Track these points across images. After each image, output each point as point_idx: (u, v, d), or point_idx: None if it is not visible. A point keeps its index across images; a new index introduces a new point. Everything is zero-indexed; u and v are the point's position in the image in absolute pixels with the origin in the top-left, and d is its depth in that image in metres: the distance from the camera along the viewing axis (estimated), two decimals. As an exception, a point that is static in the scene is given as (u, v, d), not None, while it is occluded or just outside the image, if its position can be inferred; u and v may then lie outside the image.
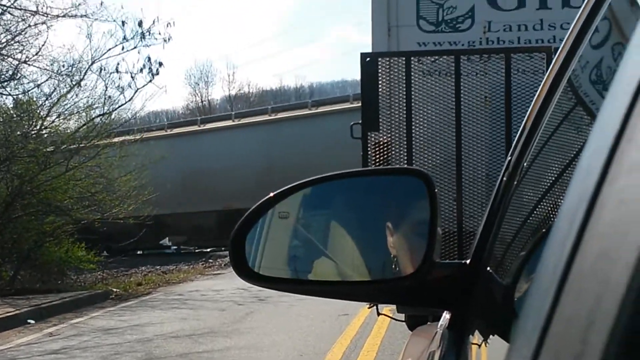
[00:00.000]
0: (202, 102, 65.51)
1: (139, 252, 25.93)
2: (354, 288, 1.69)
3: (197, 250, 27.83)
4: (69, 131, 17.09)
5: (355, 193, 1.75)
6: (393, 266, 1.60)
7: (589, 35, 1.21)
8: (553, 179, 1.31)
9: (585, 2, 1.23)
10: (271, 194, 1.66)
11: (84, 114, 17.18)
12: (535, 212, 1.38)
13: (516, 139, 1.52)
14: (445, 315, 1.79)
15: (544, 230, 1.22)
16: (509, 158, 1.52)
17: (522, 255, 1.31)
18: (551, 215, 1.20)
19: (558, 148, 1.35)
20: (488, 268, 1.46)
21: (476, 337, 1.47)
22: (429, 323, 5.66)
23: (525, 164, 1.45)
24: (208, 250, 27.16)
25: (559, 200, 1.18)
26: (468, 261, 1.56)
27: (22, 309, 11.58)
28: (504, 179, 1.52)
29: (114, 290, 15.11)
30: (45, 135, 16.78)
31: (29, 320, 11.14)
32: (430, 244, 1.50)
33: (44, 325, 10.92)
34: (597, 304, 0.55)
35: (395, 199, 1.71)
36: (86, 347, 9.01)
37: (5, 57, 15.16)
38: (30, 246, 15.85)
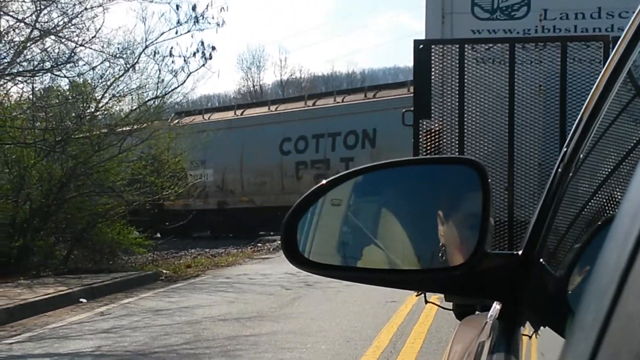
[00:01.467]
0: (253, 86, 65.83)
1: (195, 235, 26.13)
2: (403, 276, 1.69)
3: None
4: (122, 113, 17.31)
5: (407, 182, 1.74)
6: (441, 255, 1.59)
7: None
8: (609, 171, 1.29)
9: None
10: (324, 181, 1.67)
11: (136, 96, 17.39)
12: (590, 204, 1.36)
13: (572, 130, 1.50)
14: (496, 306, 1.77)
15: (599, 223, 1.21)
16: (565, 149, 1.50)
17: (577, 247, 1.29)
18: (607, 208, 1.18)
19: (616, 140, 1.33)
20: (541, 259, 1.45)
21: (527, 329, 1.45)
22: (477, 312, 5.64)
23: (581, 156, 1.43)
24: (260, 233, 27.30)
25: (615, 193, 1.16)
26: (520, 252, 1.54)
27: (75, 288, 11.80)
28: (559, 170, 1.50)
29: (164, 272, 15.30)
30: (99, 117, 17.02)
31: (81, 299, 11.35)
32: (482, 234, 1.49)
33: (95, 305, 11.11)
34: None
35: (447, 188, 1.70)
36: (136, 327, 9.14)
37: (63, 40, 15.38)
38: (83, 226, 16.13)
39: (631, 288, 0.62)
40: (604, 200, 1.24)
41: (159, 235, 22.40)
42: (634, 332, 0.57)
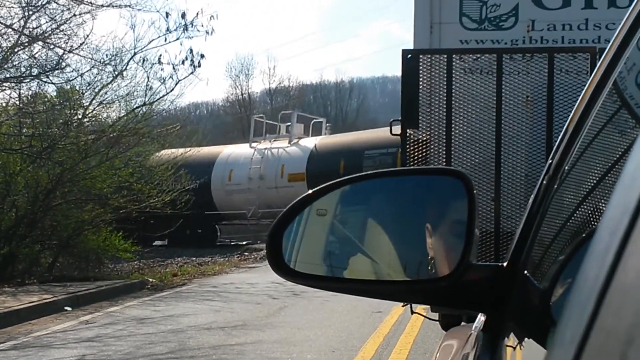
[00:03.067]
0: (242, 94, 65.78)
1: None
2: (389, 287, 1.68)
3: (232, 243, 27.99)
4: (109, 120, 17.27)
5: (393, 192, 1.74)
6: (429, 267, 1.59)
7: (637, 37, 1.19)
8: (594, 183, 1.29)
9: (634, 3, 1.21)
10: (309, 191, 1.66)
11: (124, 104, 17.37)
12: (575, 216, 1.36)
13: (558, 141, 1.50)
14: (480, 317, 1.77)
15: (583, 235, 1.20)
16: (550, 161, 1.50)
17: (561, 259, 1.29)
18: (591, 220, 1.18)
19: (601, 151, 1.33)
20: (525, 271, 1.44)
21: (511, 340, 1.45)
22: (462, 324, 5.64)
23: (566, 167, 1.43)
24: (244, 243, 27.31)
25: (599, 205, 1.16)
26: (505, 263, 1.54)
27: (60, 296, 11.73)
28: (544, 181, 1.50)
29: (150, 280, 15.24)
30: (87, 124, 16.97)
31: (65, 307, 11.29)
32: (467, 246, 1.48)
33: (80, 313, 11.05)
34: (638, 320, 0.54)
35: (433, 199, 1.70)
36: (120, 336, 9.10)
37: (51, 46, 15.35)
38: (69, 234, 16.05)
39: (609, 304, 0.61)
40: (589, 213, 1.24)
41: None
42: (612, 349, 0.57)
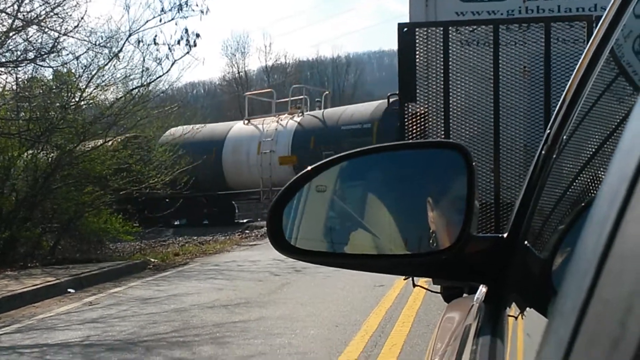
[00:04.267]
0: (238, 73, 65.64)
1: (176, 223, 26.33)
2: (390, 261, 1.68)
3: (235, 221, 28.05)
4: (107, 103, 17.24)
5: (393, 166, 1.74)
6: (431, 241, 1.59)
7: (633, 4, 1.18)
8: (593, 151, 1.29)
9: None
10: (309, 168, 1.66)
11: (121, 85, 17.32)
12: (574, 185, 1.36)
13: (556, 111, 1.49)
14: (482, 289, 1.78)
15: (582, 204, 1.20)
16: (548, 131, 1.50)
17: (561, 229, 1.29)
18: (590, 189, 1.18)
19: (599, 120, 1.33)
20: (526, 242, 1.45)
21: (512, 310, 1.46)
22: (464, 295, 5.66)
23: (565, 137, 1.43)
24: (245, 221, 27.38)
25: (598, 174, 1.16)
26: (505, 234, 1.54)
27: (62, 279, 11.76)
28: (543, 151, 1.50)
29: (152, 260, 15.28)
30: (84, 107, 16.94)
31: (68, 289, 11.32)
32: (467, 218, 1.49)
33: (83, 295, 11.09)
34: (636, 286, 0.54)
35: (433, 173, 1.70)
36: (124, 317, 9.13)
37: (45, 30, 15.28)
38: (70, 216, 16.07)
39: (608, 274, 0.61)
40: (588, 181, 1.24)
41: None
42: (611, 317, 0.57)
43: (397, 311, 8.53)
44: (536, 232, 1.47)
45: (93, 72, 16.41)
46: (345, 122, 23.43)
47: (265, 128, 25.89)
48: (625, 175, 0.64)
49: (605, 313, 0.59)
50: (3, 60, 14.93)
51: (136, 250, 17.20)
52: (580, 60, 1.41)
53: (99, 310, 9.68)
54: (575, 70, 1.43)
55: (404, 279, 8.86)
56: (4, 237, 14.43)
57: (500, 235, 1.55)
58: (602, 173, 1.13)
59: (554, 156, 1.46)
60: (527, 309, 1.29)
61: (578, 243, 0.77)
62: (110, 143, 16.69)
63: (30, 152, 15.74)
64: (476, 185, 1.53)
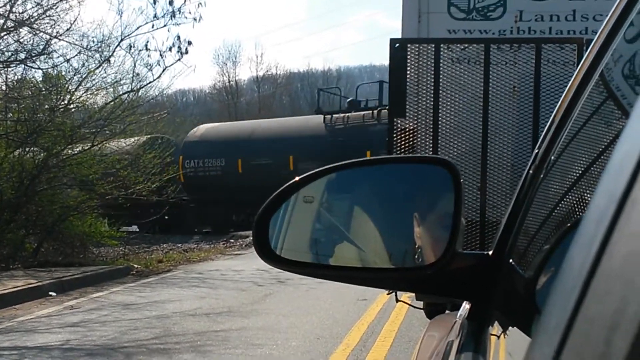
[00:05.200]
0: (229, 81, 65.62)
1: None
2: (374, 274, 1.69)
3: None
4: (96, 106, 17.20)
5: (380, 180, 1.75)
6: (416, 256, 1.59)
7: (624, 29, 1.20)
8: (580, 173, 1.30)
9: (622, -5, 1.21)
10: (297, 178, 1.67)
11: (111, 89, 17.29)
12: (560, 206, 1.37)
13: (544, 131, 1.50)
14: (465, 305, 1.78)
15: (568, 224, 1.21)
16: (536, 151, 1.51)
17: (546, 249, 1.30)
18: (576, 210, 1.19)
19: (587, 142, 1.34)
20: (510, 260, 1.46)
21: (495, 328, 1.46)
22: (447, 312, 5.66)
23: (552, 157, 1.44)
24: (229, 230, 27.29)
25: (585, 195, 1.17)
26: (491, 252, 1.55)
27: (44, 281, 11.70)
28: (530, 171, 1.51)
29: (135, 266, 15.22)
30: (73, 110, 16.89)
31: (50, 293, 11.26)
32: (453, 234, 1.49)
33: (65, 298, 11.03)
34: (623, 306, 0.55)
35: (420, 188, 1.70)
36: (105, 322, 9.09)
37: (37, 32, 15.25)
38: (54, 219, 15.99)
39: (594, 292, 0.62)
40: (574, 203, 1.25)
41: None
42: (597, 335, 0.58)
43: (379, 326, 8.53)
44: (521, 251, 1.47)
45: (83, 76, 16.38)
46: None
47: None
48: (614, 196, 0.64)
49: (591, 331, 0.59)
50: (-7, 60, 14.88)
51: (119, 255, 17.13)
52: (570, 82, 1.43)
53: (80, 314, 9.63)
54: (565, 92, 1.44)
55: (387, 294, 8.87)
56: (-13, 238, 14.35)
57: (485, 252, 1.56)
58: (588, 195, 1.14)
59: (541, 176, 1.47)
60: (510, 327, 1.30)
61: (564, 262, 0.78)
62: (98, 147, 16.63)
63: (16, 153, 15.67)
64: (463, 202, 1.53)
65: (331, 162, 1.85)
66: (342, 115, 24.68)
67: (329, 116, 24.86)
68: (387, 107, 26.37)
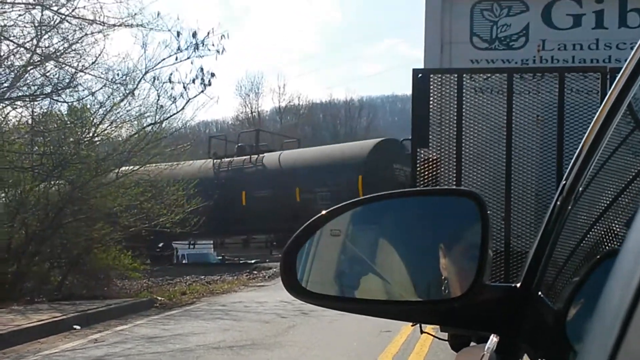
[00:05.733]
0: (252, 112, 65.97)
1: (184, 262, 26.42)
2: (401, 307, 1.68)
3: (241, 262, 28.01)
4: (120, 139, 17.33)
5: (406, 212, 1.74)
6: (443, 288, 1.58)
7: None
8: (608, 204, 1.29)
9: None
10: (323, 212, 1.67)
11: (135, 122, 17.43)
12: (589, 237, 1.35)
13: (572, 162, 1.49)
14: (493, 339, 1.76)
15: (598, 256, 1.20)
16: (564, 182, 1.50)
17: (575, 280, 1.29)
18: (605, 241, 1.18)
19: (614, 173, 1.33)
20: (539, 292, 1.44)
21: (524, 361, 1.44)
22: (473, 344, 5.61)
23: (580, 188, 1.42)
24: (252, 262, 27.31)
25: (614, 226, 1.16)
26: (519, 284, 1.54)
27: (69, 314, 11.73)
28: (558, 202, 1.50)
29: (159, 298, 15.24)
30: (98, 143, 17.03)
31: (74, 326, 11.28)
32: (480, 266, 1.48)
33: (89, 332, 11.04)
34: None
35: (446, 220, 1.69)
36: (129, 355, 9.08)
37: (62, 65, 15.43)
38: (79, 252, 16.06)
39: (636, 326, 0.61)
40: (603, 234, 1.24)
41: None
42: None
43: (403, 358, 8.46)
44: (550, 282, 1.46)
45: (108, 109, 16.53)
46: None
47: None
48: None
49: None
50: (20, 94, 15.07)
51: (143, 287, 17.16)
52: (598, 113, 1.42)
53: (104, 347, 9.63)
54: (593, 123, 1.43)
55: (412, 325, 8.80)
56: (12, 271, 14.42)
57: (513, 284, 1.54)
58: (618, 225, 1.13)
59: (569, 207, 1.45)
60: (540, 360, 1.28)
61: (601, 295, 0.76)
62: (121, 179, 16.74)
63: (42, 186, 15.80)
64: (490, 234, 1.52)
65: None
66: (227, 159, 27.84)
67: (218, 160, 28.21)
68: (262, 152, 27.67)
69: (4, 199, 15.87)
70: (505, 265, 6.39)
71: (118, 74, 16.36)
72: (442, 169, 6.68)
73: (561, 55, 7.36)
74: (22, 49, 15.03)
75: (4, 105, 15.07)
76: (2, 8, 14.27)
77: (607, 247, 1.15)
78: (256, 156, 27.19)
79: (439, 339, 7.50)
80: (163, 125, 17.48)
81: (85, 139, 16.21)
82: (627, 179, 1.22)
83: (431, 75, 6.73)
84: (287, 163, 25.87)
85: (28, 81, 15.30)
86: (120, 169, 16.48)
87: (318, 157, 25.25)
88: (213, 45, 16.02)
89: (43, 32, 15.14)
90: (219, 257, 30.17)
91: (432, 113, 6.68)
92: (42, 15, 15.06)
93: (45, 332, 10.57)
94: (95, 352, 9.30)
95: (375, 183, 21.18)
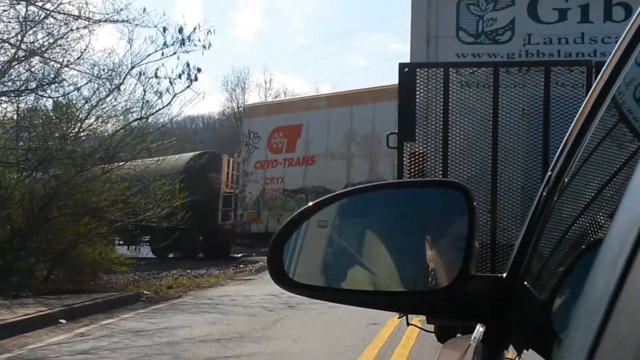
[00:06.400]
0: (238, 108, 65.79)
1: (170, 256, 26.39)
2: (387, 298, 1.69)
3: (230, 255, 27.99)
4: (106, 134, 17.28)
5: (393, 204, 1.75)
6: (430, 279, 1.60)
7: (636, 53, 1.21)
8: (593, 195, 1.30)
9: (634, 18, 1.23)
10: (310, 204, 1.68)
11: (121, 117, 17.36)
12: (574, 227, 1.37)
13: (557, 154, 1.51)
14: (479, 329, 1.78)
15: (583, 246, 1.22)
16: (550, 173, 1.51)
17: (561, 270, 1.30)
18: (591, 232, 1.20)
19: (600, 164, 1.35)
20: (525, 282, 1.45)
21: (510, 352, 1.46)
22: (459, 335, 5.64)
23: (566, 179, 1.44)
24: (239, 255, 27.32)
25: (598, 217, 1.17)
26: (504, 275, 1.55)
27: (55, 309, 11.70)
28: (544, 193, 1.52)
29: (145, 292, 15.21)
30: (83, 138, 16.96)
31: (60, 320, 11.26)
32: (467, 257, 1.49)
33: (75, 325, 11.02)
34: None
35: (433, 211, 1.71)
36: (115, 349, 9.07)
37: (48, 61, 15.36)
38: (64, 247, 16.01)
39: (621, 311, 0.62)
40: (588, 224, 1.25)
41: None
42: (624, 354, 0.58)
43: (390, 350, 8.49)
44: (536, 273, 1.47)
45: (94, 104, 16.47)
46: None
47: None
48: (637, 216, 0.65)
49: (618, 349, 0.60)
50: (5, 89, 14.99)
51: (129, 282, 17.12)
52: (582, 106, 1.43)
53: (90, 341, 9.61)
54: (578, 115, 1.45)
55: (398, 318, 8.83)
56: (-3, 265, 14.37)
57: (499, 275, 1.56)
58: (602, 216, 1.14)
59: (555, 198, 1.47)
60: (526, 350, 1.29)
61: (586, 282, 0.78)
62: (108, 174, 16.69)
63: (27, 181, 15.73)
64: (477, 225, 1.54)
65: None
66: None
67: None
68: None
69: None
70: (491, 258, 6.43)
71: (104, 69, 16.30)
72: (429, 163, 6.70)
73: (547, 49, 7.39)
74: (6, 44, 14.95)
75: (-12, 100, 15.00)
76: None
77: (591, 238, 1.17)
78: None
79: (426, 330, 7.53)
80: (149, 120, 17.43)
81: (71, 134, 16.14)
82: (611, 171, 1.23)
83: (417, 70, 6.75)
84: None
85: (13, 76, 15.23)
86: (106, 164, 16.42)
87: None
88: (199, 40, 15.98)
89: (28, 27, 15.06)
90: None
91: (418, 107, 6.70)
92: (26, 10, 14.98)
93: (31, 326, 10.54)
94: (81, 345, 9.28)
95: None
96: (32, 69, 15.37)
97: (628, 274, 0.63)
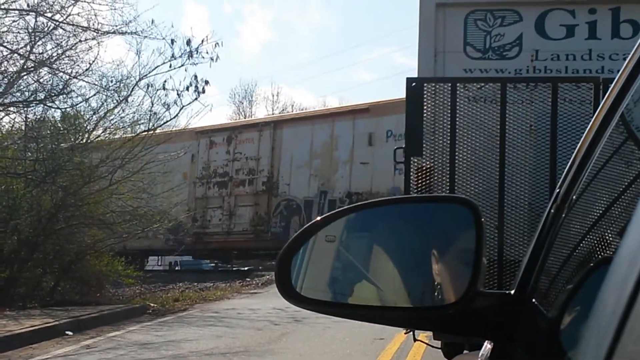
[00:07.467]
0: (245, 120, 65.81)
1: (177, 269, 26.43)
2: (394, 314, 1.69)
3: (234, 269, 28.00)
4: (114, 146, 17.32)
5: (400, 219, 1.75)
6: (436, 294, 1.59)
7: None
8: (601, 212, 1.30)
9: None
10: (318, 218, 1.68)
11: (129, 129, 17.41)
12: (582, 245, 1.36)
13: (566, 170, 1.51)
14: (487, 345, 1.77)
15: (592, 264, 1.21)
16: (558, 190, 1.51)
17: (569, 287, 1.30)
18: (599, 249, 1.19)
19: (608, 182, 1.35)
20: (533, 299, 1.45)
21: (518, 369, 1.45)
22: (466, 352, 5.62)
23: (574, 197, 1.44)
24: (245, 268, 27.30)
25: (606, 235, 1.17)
26: (512, 291, 1.55)
27: (61, 320, 11.70)
28: (552, 210, 1.51)
29: (152, 305, 15.21)
30: (91, 149, 17.01)
31: (67, 332, 11.25)
32: (475, 273, 1.49)
33: (81, 337, 11.01)
34: None
35: (440, 227, 1.71)
36: (122, 361, 9.06)
37: (56, 72, 15.43)
38: (71, 258, 16.02)
39: (631, 330, 0.62)
40: (596, 242, 1.25)
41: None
42: None
43: (396, 366, 8.46)
44: (544, 289, 1.47)
45: (102, 115, 16.52)
46: None
47: None
48: None
49: None
50: (13, 100, 15.05)
51: (136, 294, 17.12)
52: (591, 123, 1.43)
53: (97, 354, 9.61)
54: (586, 132, 1.45)
55: (405, 333, 8.80)
56: (4, 276, 14.38)
57: (507, 292, 1.55)
58: (610, 234, 1.14)
59: (563, 215, 1.47)
60: (534, 366, 1.29)
61: (596, 300, 0.78)
62: (115, 186, 16.72)
63: (34, 192, 15.76)
64: (484, 240, 1.54)
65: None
66: None
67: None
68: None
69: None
70: (498, 274, 6.40)
71: (112, 81, 16.39)
72: (436, 178, 6.69)
73: (554, 66, 7.39)
74: (15, 55, 15.03)
75: (-3, 110, 15.06)
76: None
77: (600, 256, 1.17)
78: None
79: (432, 346, 7.51)
80: (157, 132, 17.47)
81: (79, 146, 16.19)
82: (620, 188, 1.23)
83: (425, 84, 6.75)
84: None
85: (22, 87, 15.31)
86: (114, 176, 16.45)
87: None
88: (207, 53, 16.04)
89: (37, 38, 15.15)
90: (212, 264, 30.12)
91: (425, 122, 6.70)
92: (36, 21, 15.09)
93: (37, 337, 10.53)
94: (87, 358, 9.28)
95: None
96: (41, 80, 15.46)
97: (638, 293, 0.63)
